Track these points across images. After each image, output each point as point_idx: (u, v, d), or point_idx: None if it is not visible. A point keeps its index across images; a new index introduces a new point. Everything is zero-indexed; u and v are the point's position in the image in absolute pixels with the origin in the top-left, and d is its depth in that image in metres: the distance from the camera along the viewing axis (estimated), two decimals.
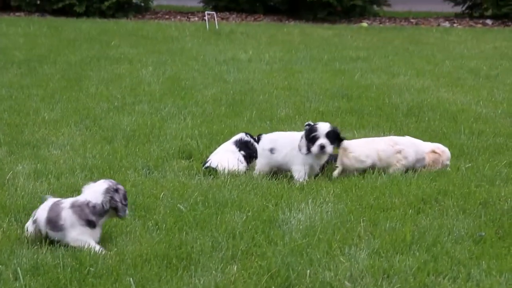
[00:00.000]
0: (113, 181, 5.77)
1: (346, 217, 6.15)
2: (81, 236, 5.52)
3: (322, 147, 7.15)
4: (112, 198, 5.63)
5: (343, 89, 11.75)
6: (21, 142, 8.37)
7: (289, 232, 5.85)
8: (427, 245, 5.60)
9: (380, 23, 22.56)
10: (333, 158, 7.50)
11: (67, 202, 5.63)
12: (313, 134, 7.18)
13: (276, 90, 11.71)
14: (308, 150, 7.18)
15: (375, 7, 23.53)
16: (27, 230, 5.65)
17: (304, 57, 15.17)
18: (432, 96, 11.34)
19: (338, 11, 22.47)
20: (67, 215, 5.55)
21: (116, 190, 5.67)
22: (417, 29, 21.33)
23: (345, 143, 7.43)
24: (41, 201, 5.81)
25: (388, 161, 7.49)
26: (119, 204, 5.64)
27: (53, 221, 5.54)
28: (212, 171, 7.32)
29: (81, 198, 5.63)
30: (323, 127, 7.25)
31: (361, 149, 7.49)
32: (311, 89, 11.81)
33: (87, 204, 5.58)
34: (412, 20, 23.12)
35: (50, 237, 5.55)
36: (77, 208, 5.57)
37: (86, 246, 5.44)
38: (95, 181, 5.82)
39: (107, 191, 5.64)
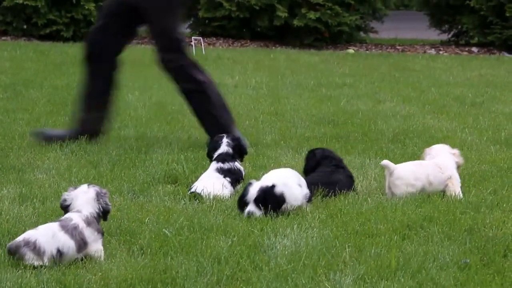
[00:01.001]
0: (94, 185, 5.90)
1: (332, 242, 6.15)
2: (101, 246, 5.76)
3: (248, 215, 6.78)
4: (105, 203, 5.82)
5: (329, 115, 11.79)
6: (6, 166, 8.34)
7: (275, 257, 5.85)
8: (412, 272, 5.60)
9: (367, 50, 22.69)
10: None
11: (79, 221, 5.68)
12: (243, 198, 6.86)
13: (262, 115, 11.73)
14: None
15: (361, 33, 23.67)
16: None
17: (291, 83, 15.22)
18: (417, 122, 11.39)
19: (324, 37, 22.58)
20: (89, 233, 5.69)
21: (104, 194, 5.85)
22: (403, 56, 21.47)
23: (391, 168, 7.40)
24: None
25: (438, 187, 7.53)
26: (110, 207, 5.84)
27: (81, 245, 5.64)
28: (198, 196, 7.32)
29: (83, 212, 5.75)
30: (252, 191, 6.81)
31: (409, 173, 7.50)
32: (297, 114, 11.84)
33: (93, 216, 5.75)
34: (398, 47, 23.26)
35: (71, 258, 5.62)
36: (92, 223, 5.74)
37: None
38: (75, 187, 5.91)
39: (98, 197, 5.79)
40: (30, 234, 5.60)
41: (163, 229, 6.34)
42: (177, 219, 6.59)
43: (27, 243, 5.53)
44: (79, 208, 5.75)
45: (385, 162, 7.50)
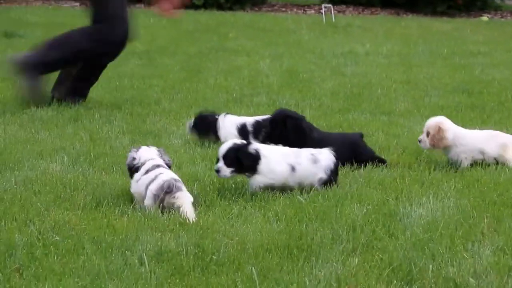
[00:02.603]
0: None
1: (469, 213, 6.04)
2: None
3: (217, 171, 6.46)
4: (168, 158, 6.38)
5: (464, 84, 11.55)
6: (143, 131, 8.55)
7: (410, 226, 5.78)
8: None
9: (502, 17, 22.07)
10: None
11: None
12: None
13: (395, 84, 11.60)
14: None
15: (496, 0, 23.03)
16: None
17: (423, 51, 14.98)
18: None
19: (458, 4, 22.08)
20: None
21: (164, 151, 6.44)
22: None
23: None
24: None
25: None
26: (171, 162, 6.39)
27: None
28: None
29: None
30: (222, 148, 6.44)
31: None
32: (430, 83, 11.65)
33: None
34: None
35: None
36: None
37: None
38: (136, 148, 6.37)
39: (160, 153, 6.36)
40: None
41: (298, 196, 6.35)
42: (311, 187, 6.59)
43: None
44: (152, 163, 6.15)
45: None
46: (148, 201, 5.96)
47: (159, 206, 5.93)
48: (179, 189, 5.93)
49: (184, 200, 5.92)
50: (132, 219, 5.83)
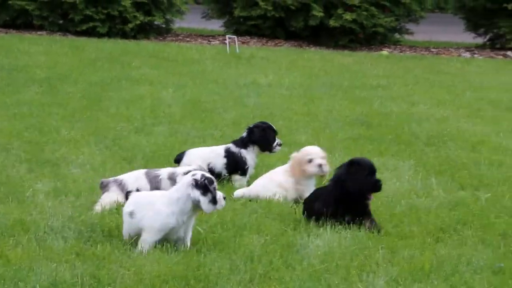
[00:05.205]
0: None
1: (365, 243, 6.14)
2: None
3: None
4: None
5: (363, 117, 11.75)
6: (41, 160, 8.42)
7: (307, 257, 5.84)
8: (445, 275, 5.58)
9: (401, 52, 22.57)
10: None
11: None
12: None
13: (296, 115, 11.72)
14: None
15: (396, 35, 23.54)
16: None
17: (324, 84, 15.19)
18: (452, 126, 11.32)
19: (359, 38, 22.50)
20: None
21: None
22: (437, 58, 21.32)
23: None
24: None
25: None
26: None
27: None
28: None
29: None
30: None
31: None
32: (330, 115, 11.82)
33: None
34: (432, 50, 23.10)
35: None
36: None
37: None
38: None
39: None
40: None
41: (197, 226, 6.35)
42: (211, 217, 6.60)
43: None
44: None
45: None
46: None
47: None
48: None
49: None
50: (27, 249, 5.73)
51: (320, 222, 6.59)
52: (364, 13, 22.14)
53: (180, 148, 9.07)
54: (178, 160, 8.03)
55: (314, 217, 6.61)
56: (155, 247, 5.89)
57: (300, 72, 16.90)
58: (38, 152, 8.75)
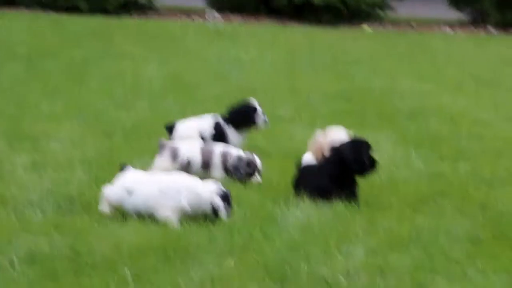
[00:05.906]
0: None
1: (344, 215, 6.15)
2: None
3: None
4: None
5: (345, 92, 11.76)
6: (21, 135, 8.37)
7: (287, 229, 5.85)
8: (423, 244, 5.60)
9: (383, 28, 22.57)
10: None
11: None
12: None
13: (278, 90, 11.71)
14: None
15: (379, 11, 23.52)
16: None
17: (307, 59, 15.17)
18: (433, 100, 11.35)
19: (342, 14, 22.47)
20: None
21: None
22: (420, 34, 21.32)
23: None
24: None
25: None
26: None
27: None
28: None
29: None
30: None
31: None
32: (313, 90, 11.82)
33: None
34: (415, 26, 23.11)
35: None
36: None
37: None
38: None
39: None
40: None
41: None
42: None
43: None
44: None
45: None
46: None
47: None
48: None
49: None
50: (5, 222, 5.72)
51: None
52: None
53: (161, 123, 9.04)
54: (169, 128, 7.96)
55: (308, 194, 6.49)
56: (134, 219, 5.89)
57: (283, 48, 16.88)
58: (18, 127, 8.71)
